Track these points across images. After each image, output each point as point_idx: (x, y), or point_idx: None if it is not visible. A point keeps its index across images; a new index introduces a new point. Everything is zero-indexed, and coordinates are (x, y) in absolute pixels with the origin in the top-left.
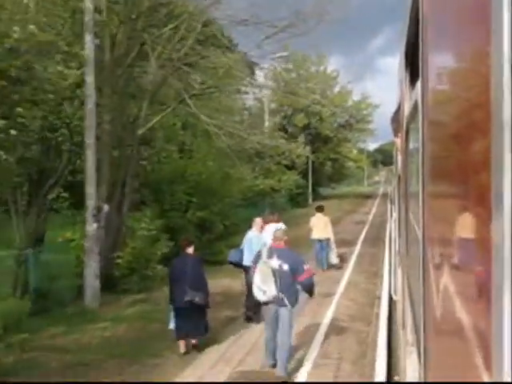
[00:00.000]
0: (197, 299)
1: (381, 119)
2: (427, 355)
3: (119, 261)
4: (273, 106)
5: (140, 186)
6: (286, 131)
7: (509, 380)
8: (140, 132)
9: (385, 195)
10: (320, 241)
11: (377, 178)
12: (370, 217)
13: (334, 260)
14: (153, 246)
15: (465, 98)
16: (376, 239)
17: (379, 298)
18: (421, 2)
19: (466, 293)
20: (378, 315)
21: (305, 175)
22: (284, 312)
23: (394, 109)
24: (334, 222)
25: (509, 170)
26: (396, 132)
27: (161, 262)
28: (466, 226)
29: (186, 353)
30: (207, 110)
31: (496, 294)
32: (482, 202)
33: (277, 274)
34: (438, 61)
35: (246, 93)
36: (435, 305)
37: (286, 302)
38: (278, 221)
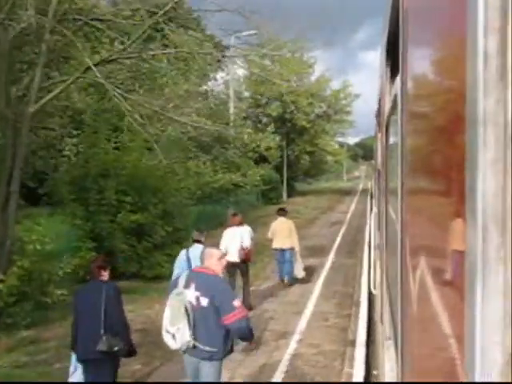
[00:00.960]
0: (116, 348)
1: (362, 113)
2: (404, 348)
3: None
4: (246, 94)
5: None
6: (259, 122)
7: (482, 379)
8: (31, 110)
9: (365, 191)
10: (283, 250)
11: (357, 173)
12: (348, 216)
13: (300, 273)
14: (50, 264)
15: (442, 92)
16: (353, 246)
17: (352, 341)
18: (401, 2)
19: (443, 287)
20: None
21: (279, 169)
22: (204, 368)
23: (376, 104)
24: (308, 223)
25: (483, 164)
26: (377, 126)
27: (65, 285)
28: (443, 221)
29: None
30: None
31: (470, 290)
32: (459, 196)
33: (190, 310)
34: (417, 56)
35: (214, 79)
36: (412, 299)
37: (205, 352)
38: (240, 223)
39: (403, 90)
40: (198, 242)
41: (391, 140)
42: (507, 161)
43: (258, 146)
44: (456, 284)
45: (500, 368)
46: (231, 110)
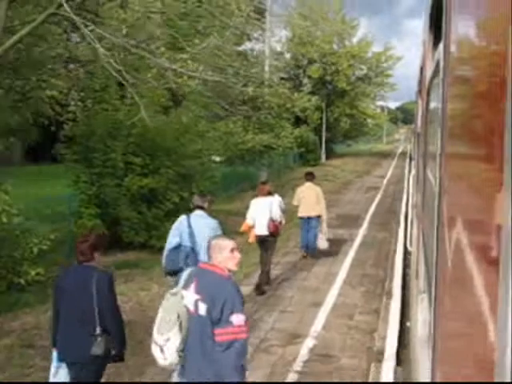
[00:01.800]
0: (113, 352)
1: (404, 77)
2: (437, 302)
3: None
4: (287, 56)
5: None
6: (300, 83)
7: None
8: None
9: (403, 154)
10: (309, 218)
11: (396, 136)
12: (385, 181)
13: (323, 245)
14: (22, 240)
15: (486, 58)
16: (388, 217)
17: (379, 354)
18: None
19: (477, 246)
20: None
21: (318, 131)
22: None
23: (418, 69)
24: (343, 188)
25: None
26: (418, 91)
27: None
28: (481, 187)
29: None
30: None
31: (505, 250)
32: (499, 163)
33: (184, 318)
34: (461, 22)
35: (256, 38)
36: (447, 256)
37: (192, 377)
38: (269, 193)
39: (446, 55)
40: (200, 208)
41: (432, 104)
42: None
43: (294, 107)
44: (490, 247)
45: None
46: (266, 69)
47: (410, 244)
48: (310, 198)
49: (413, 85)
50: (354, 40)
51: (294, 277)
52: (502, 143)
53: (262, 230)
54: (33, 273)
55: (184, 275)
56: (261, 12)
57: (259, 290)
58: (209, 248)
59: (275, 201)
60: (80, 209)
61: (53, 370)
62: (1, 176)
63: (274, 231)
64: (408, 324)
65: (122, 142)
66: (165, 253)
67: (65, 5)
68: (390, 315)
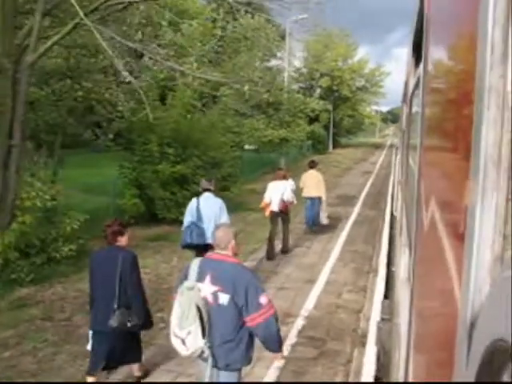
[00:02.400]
0: (129, 325)
1: (393, 90)
2: (416, 251)
3: None
4: (304, 70)
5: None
6: (313, 91)
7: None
8: (29, 59)
9: (391, 146)
10: (311, 199)
11: (386, 132)
12: (377, 166)
13: (324, 221)
14: (51, 221)
15: (454, 75)
16: (378, 197)
17: (363, 339)
18: (426, 7)
19: (444, 209)
20: None
21: (327, 128)
22: (221, 378)
23: (403, 83)
24: (344, 172)
25: (486, 124)
26: (403, 99)
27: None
28: (449, 170)
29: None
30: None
31: (470, 210)
32: (463, 152)
33: (204, 310)
34: (437, 47)
35: (280, 58)
36: (423, 218)
37: (223, 362)
38: (284, 177)
39: (425, 72)
40: (208, 190)
41: (414, 109)
42: (504, 120)
43: (306, 108)
44: (454, 210)
45: (488, 266)
46: (285, 79)
47: (395, 211)
48: (312, 182)
49: (399, 94)
50: (355, 59)
51: (296, 252)
52: (466, 138)
53: (275, 207)
54: (66, 249)
55: (193, 267)
56: (283, 36)
57: (283, 252)
58: (215, 233)
59: (288, 184)
60: (124, 190)
61: (90, 334)
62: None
63: (284, 209)
64: (393, 268)
65: (158, 136)
66: (183, 232)
67: (84, 18)
68: (375, 293)
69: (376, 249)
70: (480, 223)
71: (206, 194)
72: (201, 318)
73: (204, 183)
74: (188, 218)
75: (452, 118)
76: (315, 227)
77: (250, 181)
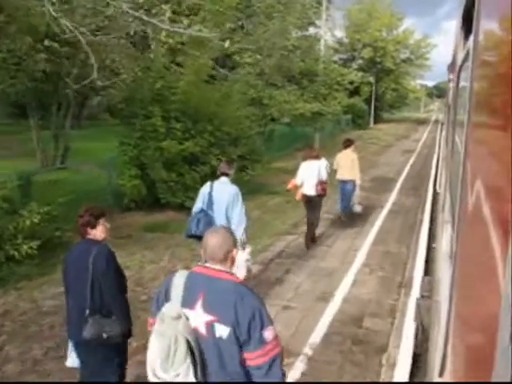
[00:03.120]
0: (105, 336)
1: (440, 64)
2: (459, 226)
3: None
4: (345, 40)
5: None
6: (357, 64)
7: None
8: None
9: (436, 122)
10: (344, 182)
11: (432, 107)
12: (420, 144)
13: (357, 208)
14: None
15: (506, 48)
16: (418, 181)
17: None
18: None
19: (491, 189)
20: None
21: (369, 102)
22: None
23: (451, 56)
24: (383, 150)
25: None
26: (450, 74)
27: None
28: (498, 149)
29: None
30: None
31: None
32: (510, 127)
33: (196, 346)
34: (488, 20)
35: (318, 27)
36: (468, 195)
37: None
38: (317, 157)
39: (475, 44)
40: (225, 174)
41: (461, 83)
42: None
43: (344, 80)
44: (502, 191)
45: None
46: (321, 48)
47: (439, 187)
48: (345, 164)
49: (445, 70)
50: (400, 30)
51: (315, 251)
52: None
53: (310, 190)
54: (25, 247)
55: (177, 283)
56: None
57: (311, 241)
58: (213, 242)
59: (322, 164)
60: (123, 169)
61: (70, 346)
62: None
63: (322, 193)
64: (434, 245)
65: (164, 108)
66: (189, 220)
67: None
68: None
69: (412, 251)
70: None
71: (223, 179)
72: (191, 355)
73: (223, 166)
74: (198, 204)
75: (503, 94)
76: (344, 216)
77: (280, 158)
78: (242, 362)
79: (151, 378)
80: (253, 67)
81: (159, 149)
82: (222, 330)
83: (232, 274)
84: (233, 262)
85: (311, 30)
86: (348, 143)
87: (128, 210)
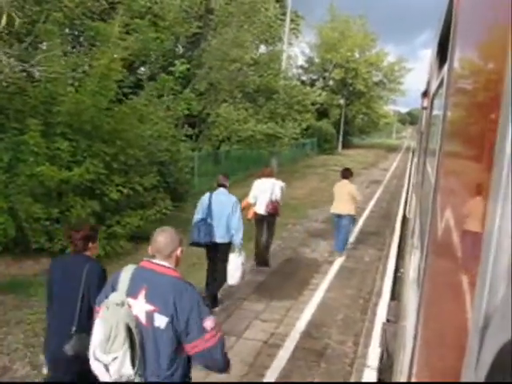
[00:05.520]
0: (87, 352)
1: (413, 91)
2: (428, 252)
3: None
4: (317, 60)
5: None
6: (327, 85)
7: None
8: None
9: (407, 149)
10: (339, 216)
11: (404, 134)
12: (388, 175)
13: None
14: None
15: (481, 77)
16: (383, 221)
17: None
18: (454, 9)
19: (459, 216)
20: None
21: (338, 125)
22: None
23: (425, 84)
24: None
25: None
26: (423, 101)
27: None
28: (468, 177)
29: None
30: None
31: (489, 230)
32: (485, 162)
33: (136, 332)
34: (463, 50)
35: (290, 43)
36: (438, 222)
37: None
38: (270, 175)
39: (450, 73)
40: (223, 186)
41: (435, 111)
42: None
43: (304, 100)
44: (472, 214)
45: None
46: (283, 64)
47: (409, 213)
48: (342, 196)
49: (419, 97)
50: (373, 51)
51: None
52: (490, 147)
53: (261, 209)
54: None
55: (124, 276)
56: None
57: (264, 265)
58: (161, 238)
59: (277, 183)
60: None
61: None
62: None
63: (273, 212)
64: (401, 270)
65: (44, 121)
66: (193, 228)
67: None
68: None
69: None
70: (499, 229)
71: (221, 190)
72: (131, 341)
73: (220, 178)
74: (198, 214)
75: (475, 123)
76: (341, 252)
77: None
78: (177, 351)
79: (92, 362)
80: (199, 80)
81: (34, 176)
82: (161, 320)
83: (175, 270)
84: (177, 259)
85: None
86: (346, 173)
87: None
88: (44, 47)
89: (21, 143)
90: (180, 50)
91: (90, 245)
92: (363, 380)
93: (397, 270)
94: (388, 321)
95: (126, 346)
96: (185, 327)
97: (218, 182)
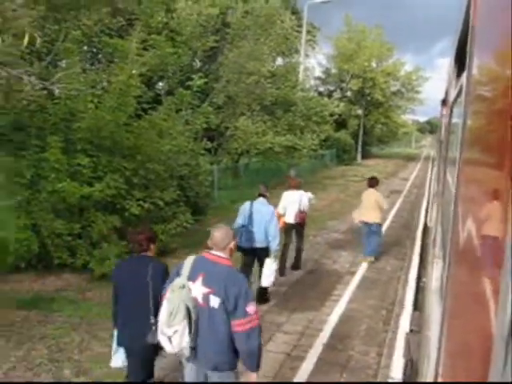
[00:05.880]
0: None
1: (432, 101)
2: (450, 261)
3: None
4: (334, 71)
5: None
6: (344, 96)
7: None
8: None
9: (427, 158)
10: (367, 224)
11: (423, 142)
12: (408, 184)
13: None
14: None
15: (500, 84)
16: (405, 231)
17: None
18: (472, 14)
19: (482, 225)
20: None
21: (357, 135)
22: (213, 379)
23: (443, 93)
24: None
25: None
26: (442, 109)
27: None
28: (489, 186)
29: None
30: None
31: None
32: (506, 170)
33: (194, 311)
34: (481, 57)
35: (306, 55)
36: (460, 232)
37: (211, 362)
38: (297, 186)
39: (468, 82)
40: (263, 196)
41: (454, 119)
42: None
43: (323, 111)
44: (492, 228)
45: None
46: (300, 75)
47: (430, 221)
48: (369, 204)
49: (438, 106)
50: (390, 61)
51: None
52: (510, 154)
53: (290, 218)
54: None
55: (187, 264)
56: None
57: (281, 271)
58: (218, 234)
59: (305, 194)
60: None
61: (114, 347)
62: None
63: (301, 221)
64: (424, 280)
65: (65, 137)
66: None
67: None
68: None
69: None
70: None
71: (261, 200)
72: (189, 318)
73: (261, 188)
74: (239, 220)
75: (495, 131)
76: (371, 255)
77: (248, 197)
78: (227, 328)
79: (159, 333)
80: (217, 93)
81: (55, 192)
82: (215, 301)
83: (228, 260)
84: (231, 251)
85: (296, 58)
86: (372, 182)
87: (17, 270)
88: (63, 65)
89: (42, 160)
90: (197, 64)
91: (152, 245)
92: None
93: (419, 279)
94: (411, 331)
95: (185, 322)
96: (233, 308)
97: (259, 192)
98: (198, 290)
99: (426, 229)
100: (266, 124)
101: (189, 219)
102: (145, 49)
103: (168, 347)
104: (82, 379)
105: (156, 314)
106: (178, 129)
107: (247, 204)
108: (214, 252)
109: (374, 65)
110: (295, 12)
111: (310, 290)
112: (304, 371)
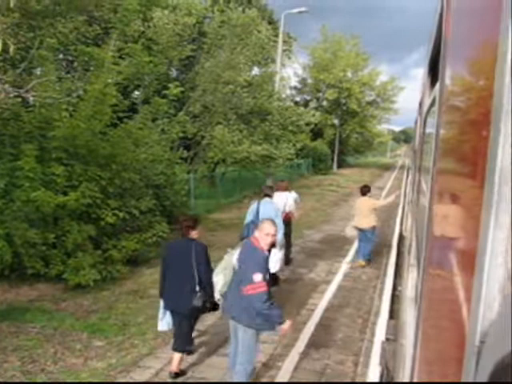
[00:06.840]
0: (208, 305)
1: (410, 110)
2: (425, 269)
3: None
4: (310, 81)
5: None
6: (321, 106)
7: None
8: None
9: (402, 167)
10: (362, 230)
11: (398, 152)
12: (384, 193)
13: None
14: None
15: (472, 95)
16: (380, 238)
17: None
18: (444, 28)
19: (455, 232)
20: None
21: (332, 145)
22: (239, 332)
23: (417, 103)
24: (341, 200)
25: (502, 150)
26: (417, 119)
27: None
28: (462, 194)
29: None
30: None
31: (482, 247)
32: (478, 178)
33: (229, 271)
34: (453, 70)
35: (283, 64)
36: (435, 239)
37: (235, 316)
38: (286, 189)
39: (441, 93)
40: (267, 195)
41: (428, 129)
42: None
43: (299, 121)
44: (464, 236)
45: (499, 284)
46: (276, 85)
47: (405, 230)
48: (362, 211)
49: (412, 116)
50: (366, 71)
51: None
52: (483, 164)
53: None
54: None
55: (240, 243)
56: (285, 40)
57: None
58: (264, 224)
59: (291, 195)
60: None
61: (160, 315)
62: None
63: (288, 220)
64: (399, 288)
65: (39, 146)
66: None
67: None
68: None
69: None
70: (492, 244)
71: (266, 199)
72: (224, 276)
73: (265, 189)
74: (249, 217)
75: (468, 140)
76: (366, 259)
77: (225, 206)
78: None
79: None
80: (193, 102)
81: (29, 201)
82: (239, 267)
83: (260, 242)
84: (272, 239)
85: (272, 68)
86: (365, 190)
87: None
88: (38, 73)
89: (16, 169)
90: (174, 73)
91: (191, 231)
92: None
93: (395, 288)
94: (387, 339)
95: (221, 275)
96: (245, 273)
97: (264, 193)
98: (236, 257)
99: (401, 237)
100: (243, 133)
101: (165, 229)
102: (121, 57)
103: (216, 292)
104: None
105: (200, 283)
106: (154, 138)
107: (255, 203)
108: (253, 236)
109: (349, 75)
110: (271, 22)
111: (286, 300)
112: (281, 379)
